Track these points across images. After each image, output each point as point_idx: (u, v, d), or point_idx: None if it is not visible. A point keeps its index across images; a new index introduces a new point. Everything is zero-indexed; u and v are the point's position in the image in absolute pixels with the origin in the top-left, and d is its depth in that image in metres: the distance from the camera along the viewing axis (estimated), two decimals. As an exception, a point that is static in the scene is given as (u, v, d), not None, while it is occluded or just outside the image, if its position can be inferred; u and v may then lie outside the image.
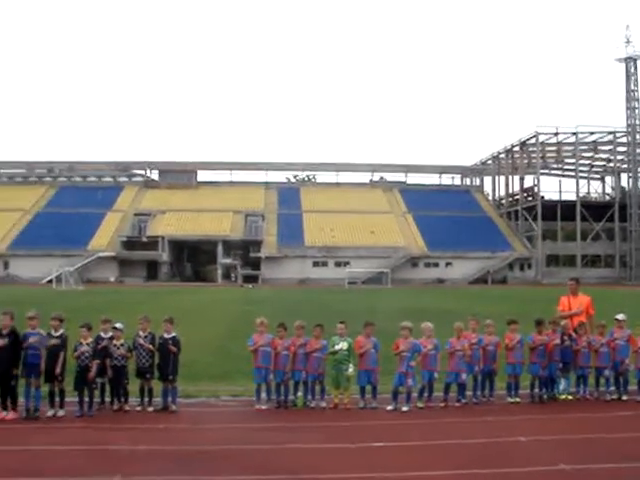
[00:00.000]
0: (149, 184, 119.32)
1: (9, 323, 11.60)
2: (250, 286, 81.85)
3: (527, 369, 13.16)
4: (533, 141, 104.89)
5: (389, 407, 12.17)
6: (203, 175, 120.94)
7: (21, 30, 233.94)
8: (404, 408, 12.11)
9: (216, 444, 9.84)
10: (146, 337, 12.21)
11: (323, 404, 12.52)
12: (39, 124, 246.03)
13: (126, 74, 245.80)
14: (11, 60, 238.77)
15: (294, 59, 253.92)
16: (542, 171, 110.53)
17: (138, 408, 12.15)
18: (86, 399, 11.74)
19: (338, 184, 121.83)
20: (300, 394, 12.61)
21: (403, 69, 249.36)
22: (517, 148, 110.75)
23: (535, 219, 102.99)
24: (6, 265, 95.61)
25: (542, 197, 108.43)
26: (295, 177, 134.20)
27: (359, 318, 15.38)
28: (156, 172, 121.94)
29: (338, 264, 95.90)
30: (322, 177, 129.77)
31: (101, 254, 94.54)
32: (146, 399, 12.22)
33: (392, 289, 73.72)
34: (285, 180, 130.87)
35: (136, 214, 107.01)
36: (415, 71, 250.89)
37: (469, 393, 12.95)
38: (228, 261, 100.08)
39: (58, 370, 11.53)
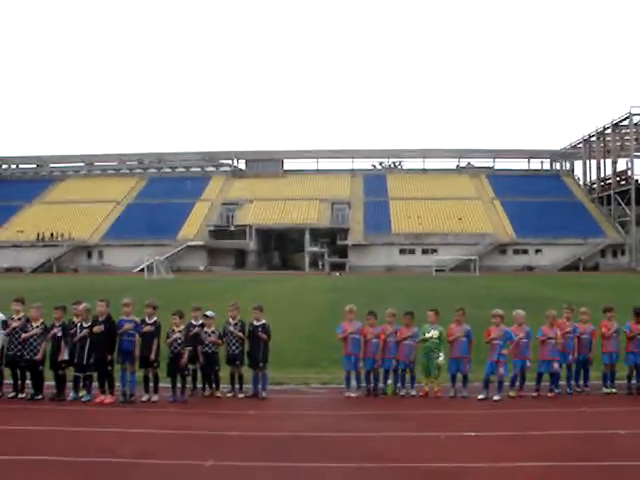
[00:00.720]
0: (236, 174, 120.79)
1: (105, 310, 11.96)
2: (337, 274, 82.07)
3: (624, 359, 12.71)
4: (626, 122, 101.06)
5: (480, 396, 11.99)
6: (289, 164, 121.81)
7: (109, 28, 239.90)
8: (496, 397, 11.92)
9: (306, 431, 9.90)
10: (236, 325, 12.34)
11: (413, 392, 12.43)
12: (130, 118, 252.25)
13: (212, 66, 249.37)
14: (101, 59, 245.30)
15: (375, 44, 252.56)
16: (636, 153, 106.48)
17: (229, 395, 12.34)
18: (179, 385, 11.99)
19: (424, 170, 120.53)
20: (390, 382, 12.54)
21: (491, 50, 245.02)
22: (609, 130, 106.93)
23: (628, 204, 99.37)
24: (100, 255, 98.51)
25: (636, 181, 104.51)
26: (381, 164, 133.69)
27: (448, 306, 15.20)
28: (243, 162, 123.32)
29: (425, 251, 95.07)
30: (408, 164, 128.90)
31: (190, 243, 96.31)
32: (237, 386, 12.40)
33: (480, 277, 72.70)
34: (371, 167, 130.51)
35: (224, 203, 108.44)
36: (503, 52, 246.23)
37: (563, 383, 12.63)
38: (315, 249, 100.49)
39: (152, 356, 11.83)
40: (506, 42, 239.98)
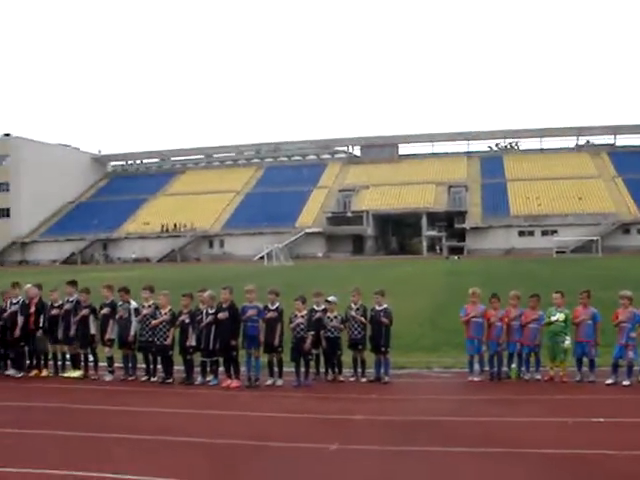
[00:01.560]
0: (352, 160, 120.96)
1: (228, 297, 12.28)
2: (455, 257, 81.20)
3: None
4: None
5: (608, 381, 11.59)
6: (404, 148, 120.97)
7: (216, 26, 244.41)
8: (625, 382, 11.49)
9: (429, 415, 9.86)
10: (358, 309, 12.39)
11: (538, 376, 12.15)
12: (247, 110, 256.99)
13: (324, 55, 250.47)
14: (216, 56, 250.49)
15: (491, 21, 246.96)
16: None
17: (352, 379, 12.43)
18: (302, 369, 12.15)
19: (542, 150, 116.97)
20: (514, 366, 12.31)
21: (609, 20, 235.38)
22: None
23: None
24: (221, 244, 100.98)
25: None
26: (497, 145, 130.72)
27: (572, 288, 14.78)
28: (358, 148, 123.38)
29: (545, 233, 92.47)
30: (525, 144, 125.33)
31: (308, 230, 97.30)
32: (359, 370, 12.45)
33: (603, 257, 70.34)
34: (487, 149, 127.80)
35: (340, 190, 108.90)
36: (619, 22, 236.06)
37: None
38: (433, 233, 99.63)
39: (276, 342, 12.04)
40: (612, 9, 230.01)
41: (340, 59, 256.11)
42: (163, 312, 12.59)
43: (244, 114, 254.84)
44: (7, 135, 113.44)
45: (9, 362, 14.10)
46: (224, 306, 12.21)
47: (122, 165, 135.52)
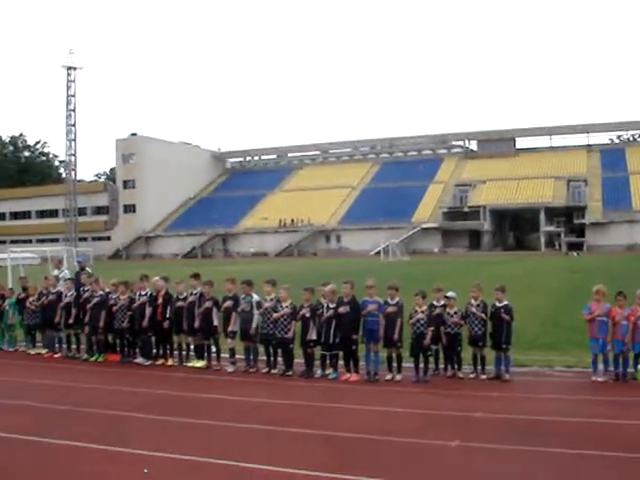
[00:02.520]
0: (468, 154, 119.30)
1: (350, 292, 12.41)
2: (575, 254, 78.70)
3: None
4: None
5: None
6: (522, 142, 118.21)
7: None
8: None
9: (552, 415, 9.64)
10: (478, 305, 12.27)
11: (667, 378, 11.71)
12: (362, 106, 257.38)
13: (433, 49, 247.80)
14: (330, 54, 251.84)
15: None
16: None
17: (471, 375, 12.31)
18: (421, 365, 12.13)
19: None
20: (641, 367, 11.91)
21: None
22: None
23: None
24: (338, 239, 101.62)
25: None
26: (619, 137, 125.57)
27: None
28: (474, 142, 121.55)
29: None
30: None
31: (424, 225, 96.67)
32: (479, 367, 12.33)
33: None
34: (608, 141, 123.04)
35: (457, 185, 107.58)
36: None
37: None
38: (551, 229, 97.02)
39: (395, 336, 12.08)
40: None
41: (453, 52, 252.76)
42: (284, 305, 12.83)
43: (360, 110, 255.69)
44: (134, 135, 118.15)
45: (137, 351, 14.78)
46: (345, 300, 12.34)
47: (240, 162, 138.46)
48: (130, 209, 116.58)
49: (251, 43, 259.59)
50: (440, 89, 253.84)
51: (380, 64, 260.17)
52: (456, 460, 7.81)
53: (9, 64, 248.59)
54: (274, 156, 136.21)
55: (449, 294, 12.44)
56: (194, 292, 14.13)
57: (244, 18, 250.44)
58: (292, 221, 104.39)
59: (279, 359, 13.09)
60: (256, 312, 13.14)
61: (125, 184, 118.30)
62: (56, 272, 19.58)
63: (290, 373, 12.72)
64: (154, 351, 14.59)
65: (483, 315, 12.17)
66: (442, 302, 12.33)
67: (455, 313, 12.26)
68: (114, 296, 14.92)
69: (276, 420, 9.54)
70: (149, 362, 14.31)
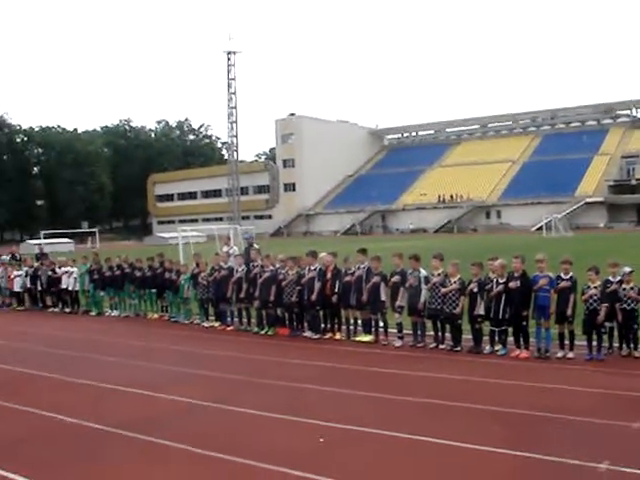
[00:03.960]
0: (636, 124, 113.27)
1: (520, 267, 12.17)
2: None
3: None
4: None
5: None
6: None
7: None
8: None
9: None
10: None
11: None
12: (522, 77, 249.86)
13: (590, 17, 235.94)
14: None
15: None
16: None
17: (649, 355, 11.77)
18: (594, 343, 11.75)
19: None
20: None
21: None
22: None
23: None
24: (498, 214, 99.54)
25: None
26: None
27: None
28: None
29: None
30: None
31: (588, 200, 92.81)
32: (657, 347, 11.77)
33: None
34: None
35: (623, 157, 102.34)
36: None
37: None
38: None
39: (569, 312, 11.75)
40: None
41: (614, 16, 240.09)
42: (452, 280, 12.79)
43: (519, 81, 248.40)
44: (292, 115, 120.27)
45: (306, 324, 15.20)
46: (516, 275, 12.13)
47: (398, 138, 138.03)
48: (290, 187, 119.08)
49: (407, 18, 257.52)
50: (603, 55, 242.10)
51: (539, 31, 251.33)
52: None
53: (175, 54, 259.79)
54: (432, 131, 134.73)
55: (625, 269, 11.91)
56: (361, 267, 14.33)
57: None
58: (451, 197, 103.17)
59: (447, 334, 13.07)
60: (424, 287, 13.17)
61: (285, 163, 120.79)
62: (225, 249, 20.40)
63: (458, 349, 12.69)
64: (322, 325, 14.95)
65: (662, 292, 11.56)
66: (618, 277, 11.82)
67: (632, 289, 11.66)
68: (283, 271, 15.40)
69: (445, 395, 9.58)
70: (317, 336, 14.69)
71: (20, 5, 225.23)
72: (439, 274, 13.05)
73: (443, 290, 12.77)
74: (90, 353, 14.25)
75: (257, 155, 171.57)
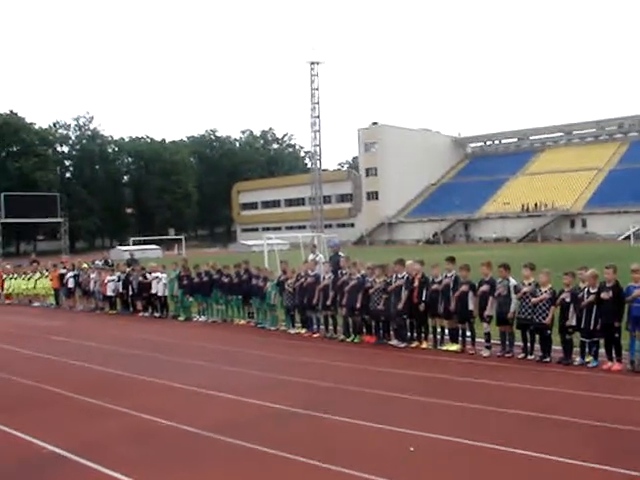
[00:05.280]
0: None
1: (613, 276, 11.92)
2: None
3: None
4: None
5: None
6: None
7: None
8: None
9: None
10: None
11: None
12: (608, 83, 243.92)
13: None
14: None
15: None
16: None
17: None
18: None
19: None
20: None
21: None
22: None
23: None
24: (584, 223, 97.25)
25: None
26: None
27: None
28: None
29: None
30: None
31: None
32: None
33: None
34: None
35: None
36: None
37: None
38: None
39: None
40: None
41: None
42: (543, 290, 12.64)
43: (606, 87, 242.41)
44: (374, 124, 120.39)
45: (392, 333, 15.23)
46: (608, 285, 11.90)
47: (481, 146, 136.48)
48: (373, 196, 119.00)
49: (488, 25, 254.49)
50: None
51: (625, 36, 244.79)
52: None
53: (259, 65, 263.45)
54: (515, 139, 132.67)
55: None
56: (449, 275, 14.31)
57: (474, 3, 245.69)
58: (535, 205, 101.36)
59: (536, 345, 12.91)
60: (513, 296, 13.05)
61: (367, 172, 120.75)
62: (312, 256, 20.60)
63: (548, 359, 12.50)
64: (408, 334, 14.95)
65: None
66: None
67: None
68: (370, 279, 15.47)
69: (535, 406, 9.42)
70: (404, 344, 14.69)
71: (110, 19, 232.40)
72: (530, 283, 12.92)
73: (534, 300, 12.62)
74: (179, 357, 14.64)
75: (340, 164, 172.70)
